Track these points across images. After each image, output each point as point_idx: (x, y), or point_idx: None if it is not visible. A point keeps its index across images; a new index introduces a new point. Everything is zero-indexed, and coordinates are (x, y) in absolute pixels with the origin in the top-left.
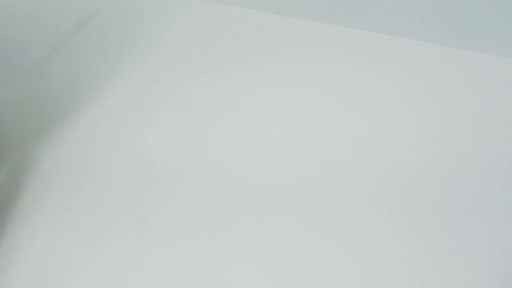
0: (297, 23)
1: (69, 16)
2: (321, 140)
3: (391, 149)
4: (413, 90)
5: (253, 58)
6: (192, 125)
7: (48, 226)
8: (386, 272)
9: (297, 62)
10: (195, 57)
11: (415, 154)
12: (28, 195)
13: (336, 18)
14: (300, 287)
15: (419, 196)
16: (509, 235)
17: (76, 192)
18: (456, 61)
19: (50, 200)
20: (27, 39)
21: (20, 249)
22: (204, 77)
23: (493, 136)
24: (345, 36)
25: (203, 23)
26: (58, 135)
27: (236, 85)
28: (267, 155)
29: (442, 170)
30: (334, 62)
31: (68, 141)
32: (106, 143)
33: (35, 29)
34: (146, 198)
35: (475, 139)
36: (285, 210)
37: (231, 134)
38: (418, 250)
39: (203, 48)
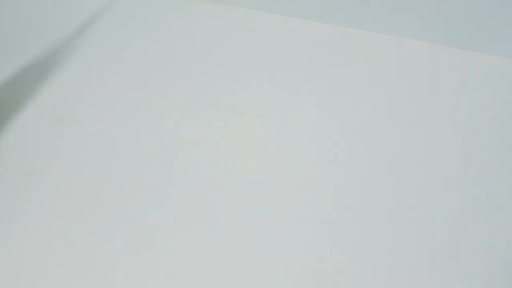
0: (297, 23)
1: (70, 15)
2: (320, 139)
3: (391, 149)
4: (413, 90)
5: (253, 59)
6: (190, 125)
7: (47, 225)
8: (386, 274)
9: (296, 62)
10: (194, 58)
11: (415, 154)
12: (27, 191)
13: (336, 18)
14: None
15: (420, 195)
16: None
17: (73, 190)
18: (456, 61)
19: (45, 196)
20: (29, 37)
21: (13, 248)
22: (204, 78)
23: (493, 136)
24: (345, 36)
25: (202, 24)
26: (59, 133)
27: (236, 86)
28: (267, 154)
29: (442, 168)
30: (334, 62)
31: (67, 138)
32: (106, 142)
33: (36, 28)
34: (145, 198)
35: (475, 139)
36: (282, 211)
37: (230, 135)
38: (416, 248)
39: (202, 49)
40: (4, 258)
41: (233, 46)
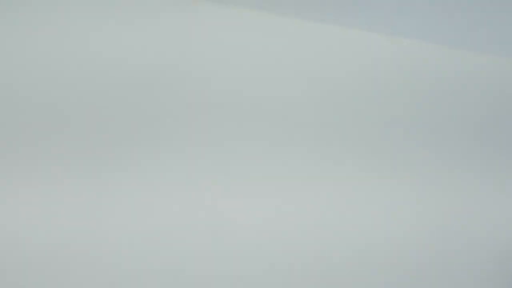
0: (297, 22)
1: (69, 16)
2: (319, 135)
3: (390, 148)
4: (413, 90)
5: (253, 59)
6: (193, 124)
7: None
8: None
9: (294, 61)
10: (195, 61)
11: (414, 154)
12: None
13: (336, 18)
14: None
15: (421, 192)
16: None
17: None
18: (456, 61)
19: None
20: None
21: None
22: (207, 78)
23: (493, 136)
24: (345, 36)
25: (203, 26)
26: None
27: (237, 86)
28: (268, 155)
29: (442, 167)
30: (333, 61)
31: (73, 138)
32: (103, 139)
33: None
34: None
35: (475, 138)
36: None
37: (231, 133)
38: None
39: (202, 49)
40: None
41: (233, 46)
